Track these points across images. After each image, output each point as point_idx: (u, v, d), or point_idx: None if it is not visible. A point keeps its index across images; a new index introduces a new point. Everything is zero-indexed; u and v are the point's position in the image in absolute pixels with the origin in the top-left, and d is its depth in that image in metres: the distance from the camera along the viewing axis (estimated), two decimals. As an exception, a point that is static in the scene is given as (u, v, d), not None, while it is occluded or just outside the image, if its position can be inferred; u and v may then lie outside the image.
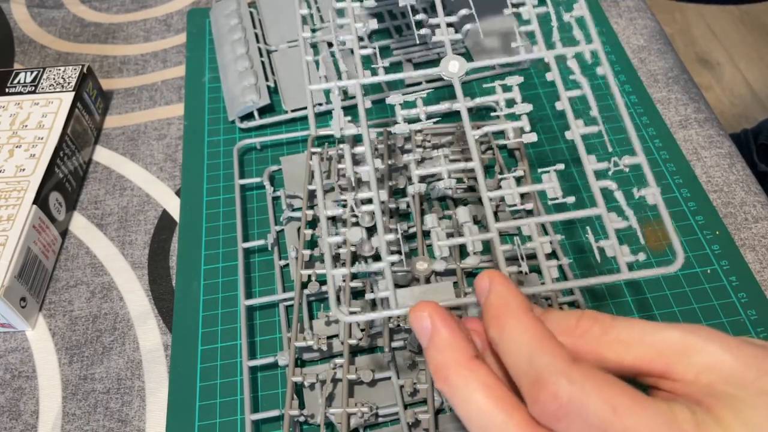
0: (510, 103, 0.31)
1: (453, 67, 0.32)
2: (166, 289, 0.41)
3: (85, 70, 0.48)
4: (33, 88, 0.47)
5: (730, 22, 1.54)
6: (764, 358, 0.22)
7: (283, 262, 0.41)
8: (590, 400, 0.21)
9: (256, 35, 0.52)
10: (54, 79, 0.47)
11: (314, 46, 0.53)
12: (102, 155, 0.48)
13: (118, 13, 0.58)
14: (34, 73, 0.48)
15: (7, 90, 0.47)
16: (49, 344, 0.39)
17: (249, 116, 0.48)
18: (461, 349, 0.23)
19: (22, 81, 0.47)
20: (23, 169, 0.42)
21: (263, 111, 0.48)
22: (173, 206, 0.45)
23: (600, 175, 0.29)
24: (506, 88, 0.32)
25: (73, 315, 0.40)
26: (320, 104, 0.48)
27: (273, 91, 0.50)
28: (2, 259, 0.38)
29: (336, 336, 0.37)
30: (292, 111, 0.48)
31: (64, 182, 0.44)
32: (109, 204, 0.45)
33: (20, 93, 0.47)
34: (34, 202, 0.40)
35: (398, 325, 0.36)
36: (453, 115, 0.48)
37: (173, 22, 0.57)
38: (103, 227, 0.44)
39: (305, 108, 0.48)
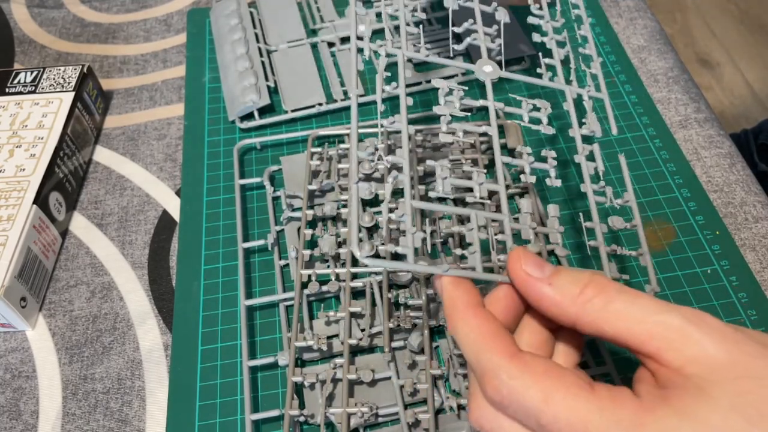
0: (536, 120, 0.32)
1: (487, 69, 0.33)
2: (166, 289, 0.41)
3: (85, 70, 0.48)
4: (33, 88, 0.47)
5: (730, 22, 1.54)
6: (760, 357, 0.22)
7: (283, 262, 0.41)
8: (527, 392, 0.23)
9: (256, 35, 0.52)
10: (54, 79, 0.47)
11: (314, 46, 0.53)
12: (102, 155, 0.48)
13: (119, 13, 0.58)
14: (35, 73, 0.48)
15: (7, 90, 0.47)
16: (49, 344, 0.39)
17: (249, 116, 0.48)
18: (461, 297, 0.26)
19: (22, 81, 0.47)
20: (23, 169, 0.42)
21: (263, 111, 0.48)
22: (173, 206, 0.45)
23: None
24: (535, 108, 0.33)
25: (73, 315, 0.40)
26: (320, 104, 0.48)
27: (273, 91, 0.50)
28: (2, 259, 0.38)
29: (336, 336, 0.37)
30: (292, 111, 0.48)
31: (64, 182, 0.44)
32: (109, 204, 0.45)
33: (20, 93, 0.47)
34: (35, 202, 0.40)
35: (398, 325, 0.36)
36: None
37: (173, 22, 0.57)
38: (103, 227, 0.44)
39: (305, 108, 0.48)
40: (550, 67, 0.35)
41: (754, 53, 1.47)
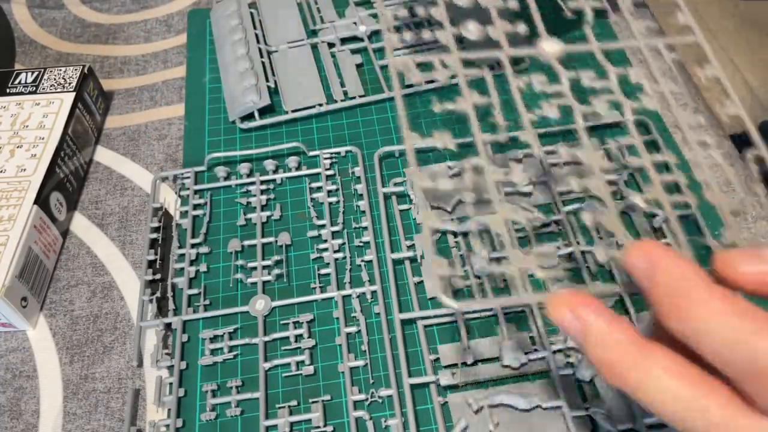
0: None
1: (549, 47, 0.31)
2: (167, 288, 0.41)
3: (85, 70, 0.48)
4: (34, 88, 0.47)
5: (729, 22, 1.54)
6: None
7: (417, 279, 0.41)
8: None
9: (257, 36, 0.52)
10: (55, 79, 0.48)
11: (315, 47, 0.53)
12: (103, 155, 0.48)
13: (119, 14, 0.59)
14: (35, 74, 0.48)
15: (8, 90, 0.47)
16: (49, 344, 0.39)
17: (249, 116, 0.48)
18: (628, 340, 0.20)
19: (23, 81, 0.48)
20: (24, 169, 0.42)
21: (263, 111, 0.48)
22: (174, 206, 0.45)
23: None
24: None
25: (74, 315, 0.40)
26: (320, 104, 0.48)
27: (273, 92, 0.50)
28: (3, 259, 0.38)
29: (496, 359, 0.36)
30: (293, 111, 0.48)
31: (65, 182, 0.44)
32: (109, 204, 0.46)
33: (21, 93, 0.47)
34: (35, 202, 0.41)
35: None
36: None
37: (174, 23, 0.57)
38: (103, 227, 0.44)
39: (305, 108, 0.49)
40: None
41: (754, 54, 1.47)
